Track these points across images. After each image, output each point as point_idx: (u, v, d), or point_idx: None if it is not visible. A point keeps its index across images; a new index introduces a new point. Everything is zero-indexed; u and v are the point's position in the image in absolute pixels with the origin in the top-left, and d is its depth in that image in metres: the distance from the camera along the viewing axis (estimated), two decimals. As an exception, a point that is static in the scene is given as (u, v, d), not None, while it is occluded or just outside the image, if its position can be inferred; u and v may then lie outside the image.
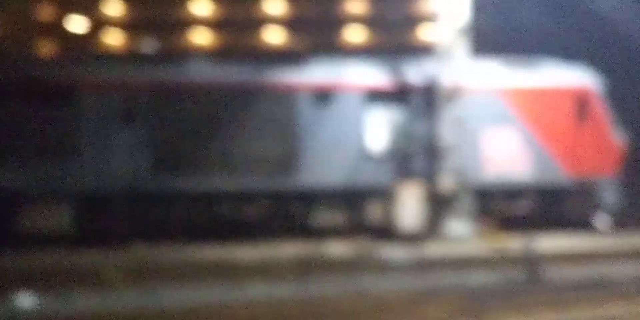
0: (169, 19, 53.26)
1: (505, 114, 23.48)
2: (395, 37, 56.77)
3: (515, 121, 23.56)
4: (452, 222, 22.07)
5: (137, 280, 14.43)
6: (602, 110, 24.38)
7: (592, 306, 12.13)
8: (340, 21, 53.59)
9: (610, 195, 23.97)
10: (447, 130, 22.38)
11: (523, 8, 38.36)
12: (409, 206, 21.50)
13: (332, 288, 14.62)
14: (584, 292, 13.20)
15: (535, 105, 23.81)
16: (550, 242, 21.01)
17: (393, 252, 19.99)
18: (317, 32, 47.16)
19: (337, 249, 20.66)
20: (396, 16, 57.44)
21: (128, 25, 54.06)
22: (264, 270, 16.24)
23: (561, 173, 23.80)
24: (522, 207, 23.66)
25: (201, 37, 54.33)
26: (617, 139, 24.41)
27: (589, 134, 24.13)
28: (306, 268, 16.82)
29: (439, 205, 22.20)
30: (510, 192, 23.52)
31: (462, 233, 21.87)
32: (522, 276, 15.08)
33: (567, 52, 32.41)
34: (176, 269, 16.12)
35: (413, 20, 55.77)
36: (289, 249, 19.78)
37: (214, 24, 54.35)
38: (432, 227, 21.91)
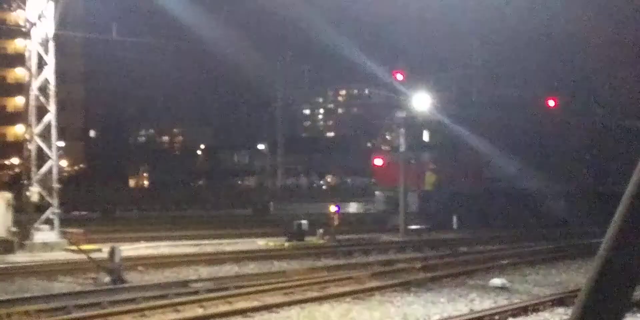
0: None
1: None
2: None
3: None
4: (39, 231, 21.26)
5: None
6: None
7: (172, 309, 12.16)
8: None
9: None
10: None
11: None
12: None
13: None
14: (165, 297, 13.20)
15: None
16: (134, 251, 21.01)
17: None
18: None
19: None
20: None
21: None
22: None
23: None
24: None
25: None
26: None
27: None
28: None
29: (27, 214, 21.33)
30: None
31: (49, 241, 21.13)
32: (107, 282, 14.83)
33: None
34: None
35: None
36: None
37: None
38: (19, 235, 20.94)
